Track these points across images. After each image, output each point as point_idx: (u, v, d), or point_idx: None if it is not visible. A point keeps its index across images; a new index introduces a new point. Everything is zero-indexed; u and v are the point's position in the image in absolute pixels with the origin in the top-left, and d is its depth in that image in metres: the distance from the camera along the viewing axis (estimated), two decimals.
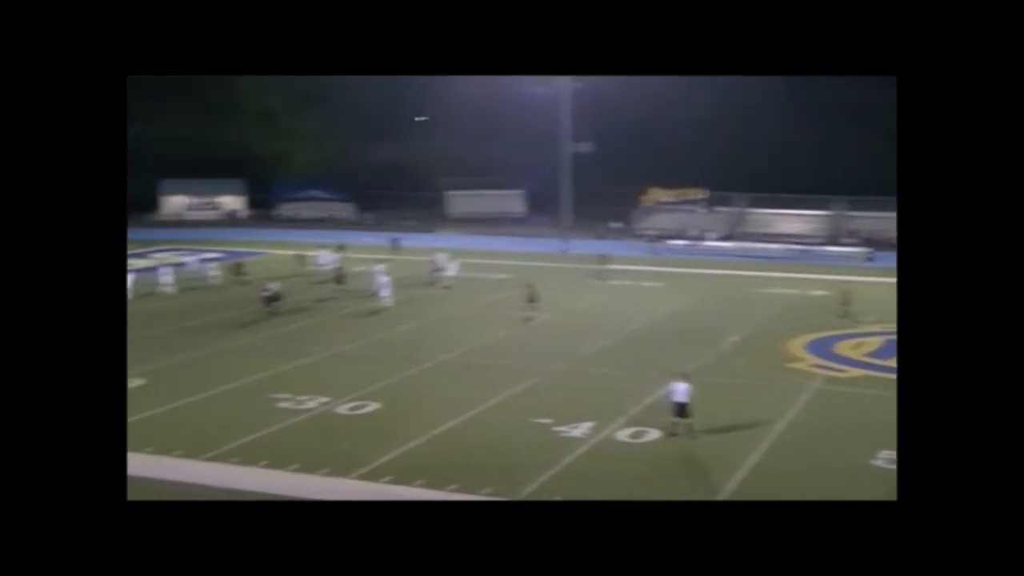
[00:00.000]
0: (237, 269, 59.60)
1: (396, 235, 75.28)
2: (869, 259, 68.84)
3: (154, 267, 60.14)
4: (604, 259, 61.84)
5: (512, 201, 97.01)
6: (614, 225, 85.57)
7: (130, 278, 53.81)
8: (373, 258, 62.27)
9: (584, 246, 73.54)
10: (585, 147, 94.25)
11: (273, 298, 48.72)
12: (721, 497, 24.32)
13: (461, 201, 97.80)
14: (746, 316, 47.71)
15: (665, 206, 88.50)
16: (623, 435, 29.14)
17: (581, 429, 29.49)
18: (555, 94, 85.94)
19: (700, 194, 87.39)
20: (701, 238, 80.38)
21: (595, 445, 28.18)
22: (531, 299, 47.29)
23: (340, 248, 64.88)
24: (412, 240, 75.61)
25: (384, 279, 50.93)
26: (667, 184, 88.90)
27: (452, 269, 58.10)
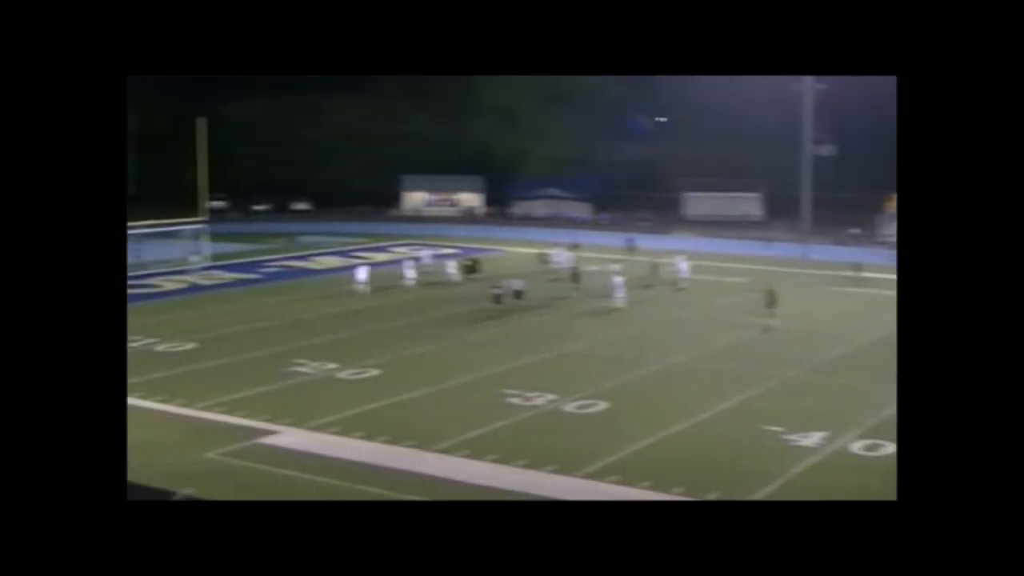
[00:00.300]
0: (472, 265, 60.53)
1: (631, 236, 74.98)
2: None
3: (394, 261, 61.69)
4: (858, 267, 60.15)
5: (749, 204, 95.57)
6: (853, 231, 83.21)
7: (365, 271, 55.28)
8: (607, 258, 62.35)
9: (823, 251, 71.84)
10: (827, 150, 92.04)
11: (515, 295, 49.08)
12: None
13: (698, 203, 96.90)
14: None
15: None
16: (857, 447, 28.27)
17: (813, 439, 28.77)
18: (797, 95, 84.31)
19: None
20: None
21: (827, 456, 27.45)
22: (770, 303, 46.23)
23: (574, 247, 65.16)
24: (647, 241, 75.33)
25: (619, 280, 50.86)
26: None
27: (684, 270, 57.68)
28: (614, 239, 75.83)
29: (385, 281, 56.37)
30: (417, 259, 62.21)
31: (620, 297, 50.00)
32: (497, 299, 48.95)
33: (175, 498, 16.45)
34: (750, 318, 47.05)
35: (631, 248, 70.33)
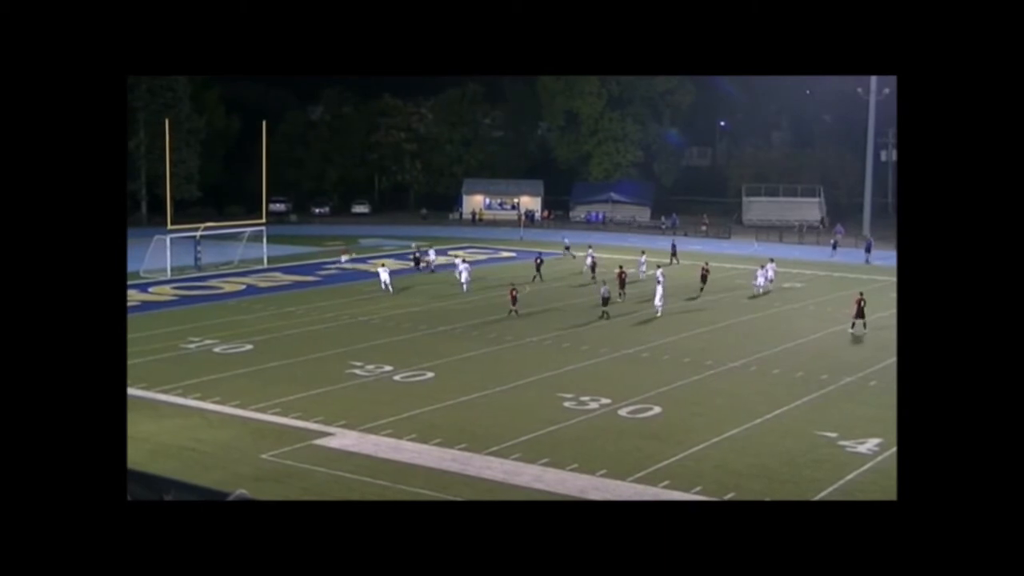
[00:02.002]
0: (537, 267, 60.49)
1: (675, 240, 74.40)
2: None
3: (449, 264, 61.85)
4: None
5: (809, 209, 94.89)
6: None
7: (386, 273, 56.15)
8: (656, 262, 62.11)
9: (884, 257, 71.17)
10: (889, 156, 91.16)
11: (603, 302, 48.50)
12: None
13: (758, 207, 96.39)
14: None
15: None
16: None
17: (868, 445, 28.52)
18: (859, 101, 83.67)
19: None
20: None
21: (881, 463, 27.16)
22: (859, 312, 45.32)
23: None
24: (706, 245, 74.86)
25: (659, 289, 49.66)
26: None
27: (770, 276, 56.92)
28: (681, 243, 75.60)
29: (439, 284, 56.58)
30: (474, 262, 61.95)
31: (659, 305, 48.83)
32: (514, 300, 48.83)
33: (229, 499, 16.54)
34: (810, 323, 46.82)
35: (673, 251, 69.15)
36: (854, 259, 71.63)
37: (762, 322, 48.33)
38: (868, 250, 71.93)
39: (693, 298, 54.00)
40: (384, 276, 55.85)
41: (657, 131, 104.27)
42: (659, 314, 48.61)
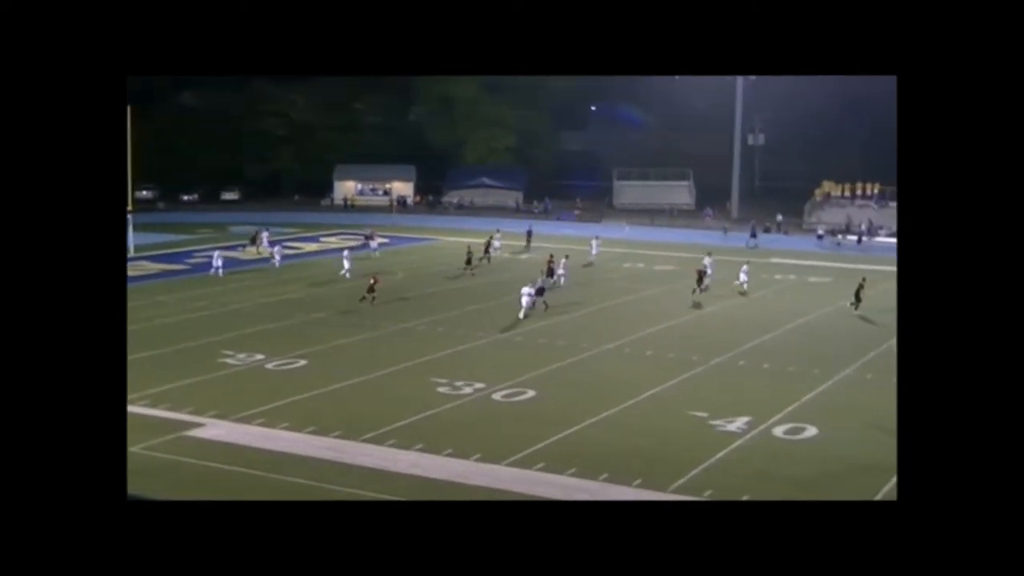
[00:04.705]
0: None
1: (530, 223, 74.77)
2: None
3: (325, 251, 61.34)
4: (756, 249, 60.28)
5: (679, 192, 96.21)
6: (780, 219, 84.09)
7: (219, 258, 56.95)
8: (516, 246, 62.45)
9: (769, 240, 72.54)
10: (756, 140, 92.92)
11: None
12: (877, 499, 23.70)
13: (628, 191, 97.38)
14: None
15: (837, 200, 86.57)
16: (780, 431, 28.61)
17: (737, 424, 29.08)
18: (728, 87, 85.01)
19: (874, 188, 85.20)
20: (873, 233, 78.37)
21: (750, 440, 27.73)
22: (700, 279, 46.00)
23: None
24: (580, 230, 75.32)
25: (528, 290, 46.30)
26: (840, 178, 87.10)
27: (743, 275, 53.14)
28: (549, 227, 75.94)
29: (314, 271, 56.17)
30: (352, 248, 61.21)
31: (527, 304, 45.34)
32: (371, 288, 47.90)
33: None
34: (678, 305, 47.55)
35: (528, 237, 69.25)
36: (735, 243, 72.47)
37: (635, 305, 48.89)
38: (753, 235, 73.07)
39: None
40: (217, 262, 56.83)
41: (529, 116, 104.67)
42: (521, 317, 44.99)
